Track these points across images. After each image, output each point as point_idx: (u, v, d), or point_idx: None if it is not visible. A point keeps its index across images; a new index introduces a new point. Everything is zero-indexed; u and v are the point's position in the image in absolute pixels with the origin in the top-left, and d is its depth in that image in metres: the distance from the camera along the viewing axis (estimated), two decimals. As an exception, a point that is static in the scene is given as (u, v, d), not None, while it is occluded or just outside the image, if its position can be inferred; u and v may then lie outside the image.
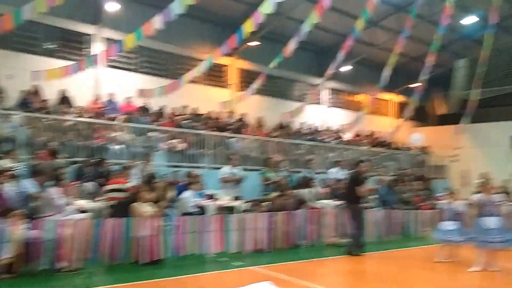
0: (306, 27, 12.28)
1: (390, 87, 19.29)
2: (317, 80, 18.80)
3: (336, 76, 18.84)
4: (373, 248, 8.90)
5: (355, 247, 8.20)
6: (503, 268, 7.10)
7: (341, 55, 14.22)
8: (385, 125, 21.98)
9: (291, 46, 12.94)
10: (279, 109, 17.23)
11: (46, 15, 9.87)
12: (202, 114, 14.58)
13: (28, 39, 12.85)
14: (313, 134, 16.79)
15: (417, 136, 18.70)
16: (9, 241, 5.46)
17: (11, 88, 11.35)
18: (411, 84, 19.93)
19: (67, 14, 12.91)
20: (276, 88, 18.75)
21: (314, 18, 12.03)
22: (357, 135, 19.10)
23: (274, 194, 9.77)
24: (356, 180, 8.50)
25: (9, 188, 6.75)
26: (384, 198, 11.55)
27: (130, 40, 10.95)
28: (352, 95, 21.94)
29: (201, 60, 13.90)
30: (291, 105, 17.84)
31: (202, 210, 8.86)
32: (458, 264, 7.67)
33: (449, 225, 7.86)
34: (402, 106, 22.66)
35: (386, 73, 15.87)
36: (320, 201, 10.75)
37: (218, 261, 7.31)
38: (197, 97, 15.37)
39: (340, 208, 9.30)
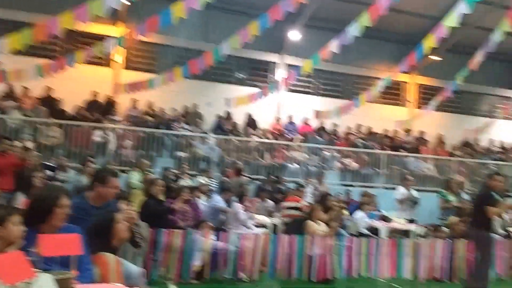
0: (496, 37, 11.11)
1: None
2: (510, 93, 16.61)
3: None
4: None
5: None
6: None
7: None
8: None
9: (478, 57, 11.89)
10: (462, 126, 15.85)
11: (237, 48, 11.23)
12: (377, 133, 14.39)
13: (223, 70, 14.71)
14: (505, 152, 14.83)
15: None
16: (200, 250, 6.23)
17: (208, 114, 13.30)
18: None
19: (254, 45, 14.35)
20: (459, 103, 17.17)
21: (506, 26, 10.81)
22: None
23: (454, 219, 9.02)
24: (487, 198, 6.35)
25: (202, 202, 7.94)
26: None
27: (307, 65, 11.69)
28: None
29: (377, 79, 13.79)
30: (477, 121, 16.17)
31: (374, 232, 8.78)
32: None
33: None
34: None
35: None
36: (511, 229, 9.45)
37: (391, 287, 7.14)
38: (372, 116, 15.22)
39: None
